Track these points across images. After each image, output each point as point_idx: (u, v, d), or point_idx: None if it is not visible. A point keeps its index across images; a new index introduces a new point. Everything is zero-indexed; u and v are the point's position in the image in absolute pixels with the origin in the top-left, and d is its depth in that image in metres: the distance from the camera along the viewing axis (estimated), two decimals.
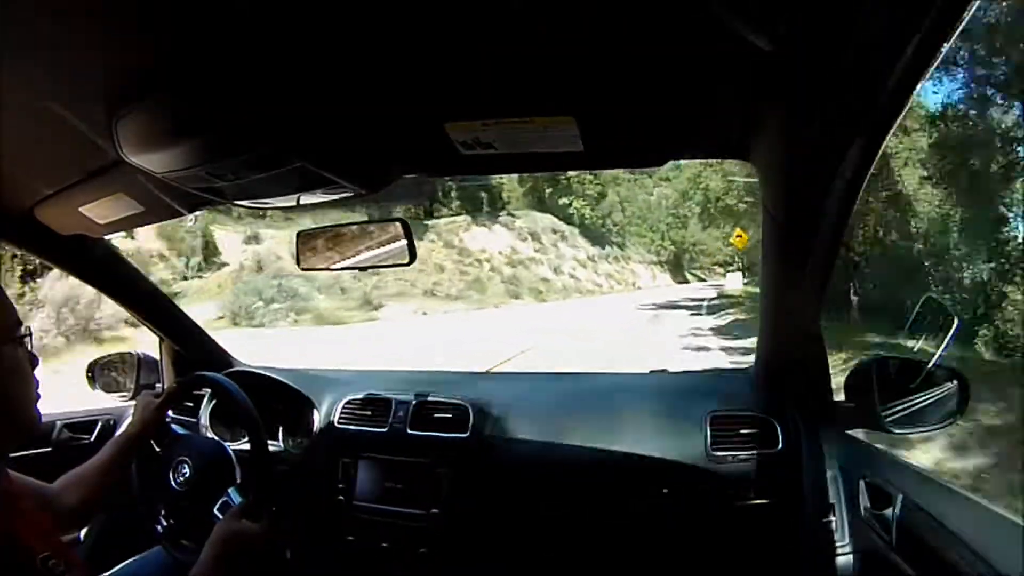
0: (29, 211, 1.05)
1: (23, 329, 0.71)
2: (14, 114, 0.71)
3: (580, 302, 22.54)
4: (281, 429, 1.44)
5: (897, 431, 1.02)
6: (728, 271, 29.21)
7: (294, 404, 1.42)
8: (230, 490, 1.10)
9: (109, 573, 1.14)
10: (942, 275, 9.66)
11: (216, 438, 1.33)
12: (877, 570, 0.81)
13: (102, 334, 8.25)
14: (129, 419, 1.14)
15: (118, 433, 1.36)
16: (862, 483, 0.89)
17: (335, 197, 0.89)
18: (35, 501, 0.78)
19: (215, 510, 1.08)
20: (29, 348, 0.72)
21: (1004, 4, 7.72)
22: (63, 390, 1.99)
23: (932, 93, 10.11)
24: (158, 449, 1.14)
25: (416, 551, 1.24)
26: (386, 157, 0.86)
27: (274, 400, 1.42)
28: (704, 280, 40.24)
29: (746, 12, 0.48)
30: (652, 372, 1.60)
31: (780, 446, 1.10)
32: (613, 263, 33.66)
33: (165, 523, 1.11)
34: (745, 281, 24.27)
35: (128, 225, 1.14)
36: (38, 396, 0.72)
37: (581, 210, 31.66)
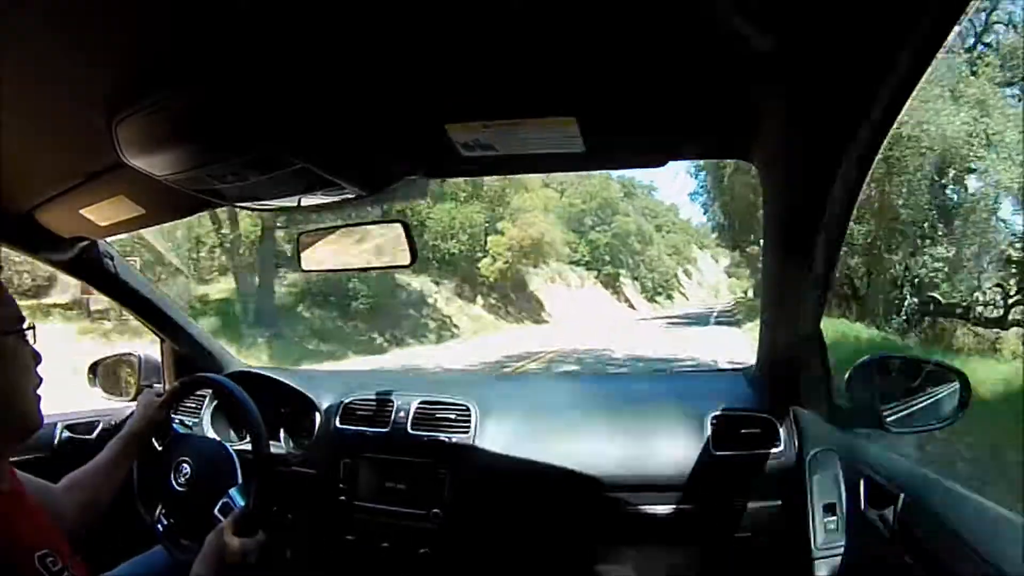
0: (30, 213, 1.05)
1: (25, 323, 0.71)
2: (14, 116, 0.71)
3: None
4: (283, 430, 1.44)
5: (897, 430, 1.02)
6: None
7: (296, 405, 1.42)
8: (231, 491, 1.09)
9: (109, 573, 1.13)
10: None
11: (217, 438, 1.33)
12: (878, 569, 0.81)
13: None
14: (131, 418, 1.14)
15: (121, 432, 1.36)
16: (863, 482, 0.89)
17: (336, 198, 0.89)
18: (39, 501, 0.78)
19: (216, 511, 1.08)
20: (31, 343, 0.72)
21: None
22: None
23: None
24: (159, 447, 1.14)
25: (417, 551, 1.24)
26: (387, 158, 0.85)
27: (276, 401, 1.42)
28: None
29: (746, 12, 0.48)
30: (654, 372, 1.60)
31: (781, 446, 1.10)
32: None
33: (165, 522, 1.11)
34: None
35: (129, 227, 1.14)
36: (40, 394, 0.72)
37: None
